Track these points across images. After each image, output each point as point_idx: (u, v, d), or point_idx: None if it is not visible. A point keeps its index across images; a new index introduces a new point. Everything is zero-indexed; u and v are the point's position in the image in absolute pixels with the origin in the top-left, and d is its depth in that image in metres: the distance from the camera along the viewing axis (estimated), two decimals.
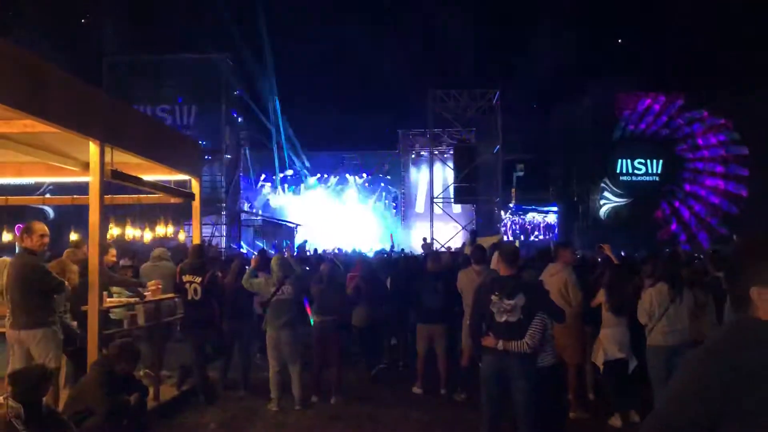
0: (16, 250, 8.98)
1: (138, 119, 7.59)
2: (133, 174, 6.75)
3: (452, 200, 22.94)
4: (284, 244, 21.86)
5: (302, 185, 26.45)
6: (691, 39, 26.18)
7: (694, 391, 1.63)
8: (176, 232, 10.50)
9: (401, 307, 8.91)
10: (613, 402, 6.59)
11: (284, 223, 25.31)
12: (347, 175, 26.75)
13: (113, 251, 7.76)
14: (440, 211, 23.60)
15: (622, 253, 9.06)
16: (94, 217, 5.77)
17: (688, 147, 30.07)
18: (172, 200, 8.48)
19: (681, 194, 29.92)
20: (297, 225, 25.44)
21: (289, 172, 26.09)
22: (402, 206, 26.86)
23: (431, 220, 22.93)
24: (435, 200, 23.42)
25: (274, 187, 26.26)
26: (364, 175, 26.86)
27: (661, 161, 29.69)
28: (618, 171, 29.55)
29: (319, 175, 26.57)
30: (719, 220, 28.71)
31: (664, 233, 28.75)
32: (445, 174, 25.07)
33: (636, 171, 29.76)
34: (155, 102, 21.85)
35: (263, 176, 26.16)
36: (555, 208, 26.48)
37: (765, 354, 1.59)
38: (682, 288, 5.87)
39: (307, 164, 26.38)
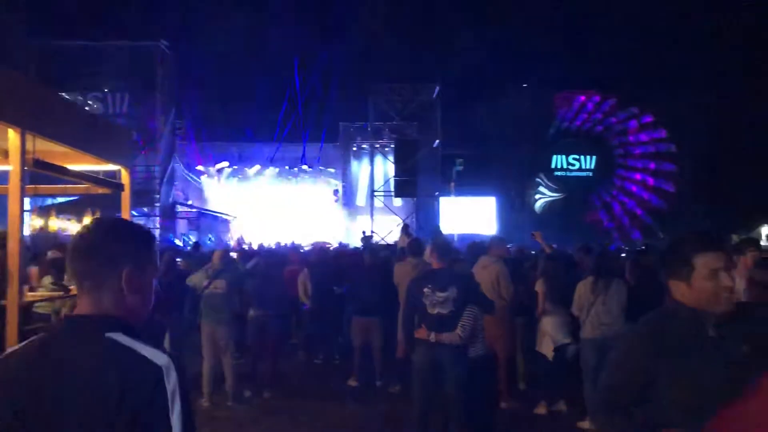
0: None
1: (63, 106, 7.27)
2: (59, 163, 6.47)
3: (393, 194, 23.03)
4: (208, 238, 21.38)
5: (239, 177, 25.99)
6: (626, 39, 27.03)
7: (630, 361, 2.06)
8: None
9: (336, 301, 8.93)
10: (546, 390, 6.73)
11: (220, 215, 24.84)
12: (287, 167, 26.46)
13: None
14: (381, 205, 23.66)
15: (554, 245, 9.26)
16: (13, 207, 5.50)
17: (620, 144, 31.09)
18: (100, 191, 8.18)
19: (613, 190, 30.92)
20: (233, 217, 25.02)
21: (225, 163, 25.58)
22: (343, 199, 26.79)
23: (371, 214, 22.96)
24: (375, 194, 23.45)
25: (210, 179, 25.74)
26: (305, 167, 26.63)
27: (594, 157, 30.62)
28: (553, 166, 30.33)
29: (258, 167, 26.16)
30: (649, 214, 29.82)
31: (596, 227, 29.65)
32: (386, 167, 25.13)
33: (570, 167, 30.61)
34: (86, 89, 21.07)
35: (200, 167, 25.59)
36: (493, 202, 26.85)
37: (677, 326, 2.01)
38: (610, 281, 6.01)
39: (246, 155, 25.96)
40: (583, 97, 30.38)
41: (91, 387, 1.37)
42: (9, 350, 1.52)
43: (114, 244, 1.56)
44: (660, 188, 29.95)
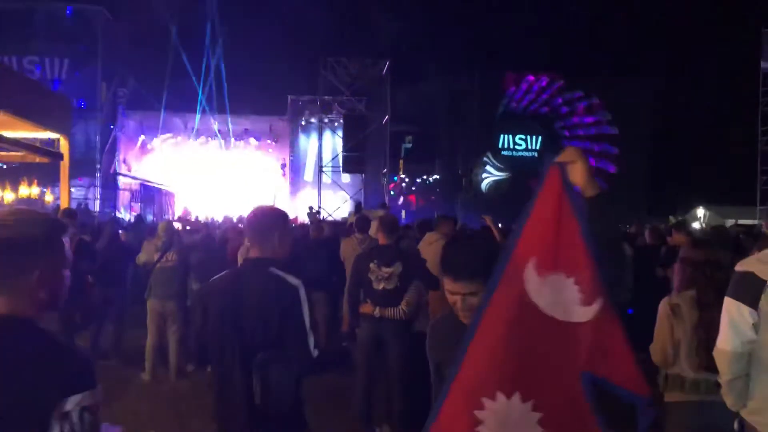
0: None
1: None
2: None
3: (341, 169, 22.94)
4: (149, 211, 20.87)
5: (184, 149, 25.36)
6: (575, 22, 27.50)
7: (429, 347, 2.35)
8: (42, 194, 9.84)
9: None
10: None
11: (163, 187, 24.26)
12: (233, 140, 25.97)
13: None
14: (329, 180, 23.56)
15: (500, 225, 9.41)
16: None
17: (566, 126, 31.76)
18: (38, 159, 7.92)
19: None
20: (177, 190, 24.48)
21: (169, 134, 24.90)
22: (290, 174, 26.51)
23: (319, 189, 22.87)
24: (323, 169, 23.34)
25: (153, 150, 25.06)
26: (252, 140, 26.18)
27: (540, 138, 31.21)
28: (500, 146, 30.78)
29: (203, 139, 25.58)
30: None
31: None
32: (334, 142, 24.96)
33: (517, 146, 31.13)
34: (22, 53, 20.14)
35: (142, 137, 24.85)
36: (438, 180, 27.19)
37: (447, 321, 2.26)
38: None
39: (191, 127, 25.34)
40: (531, 78, 30.82)
41: (261, 295, 2.58)
42: (215, 277, 2.78)
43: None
44: (602, 169, 30.79)
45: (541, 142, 31.33)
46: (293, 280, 2.59)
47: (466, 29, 28.05)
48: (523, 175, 30.82)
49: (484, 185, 30.62)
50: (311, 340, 2.60)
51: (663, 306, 3.20)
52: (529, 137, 31.29)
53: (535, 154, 31.35)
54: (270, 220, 2.73)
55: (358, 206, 12.46)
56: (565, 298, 1.69)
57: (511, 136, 31.08)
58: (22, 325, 1.48)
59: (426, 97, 27.56)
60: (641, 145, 29.06)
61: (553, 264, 1.69)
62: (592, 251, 1.66)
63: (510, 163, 30.81)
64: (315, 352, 2.61)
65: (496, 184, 30.70)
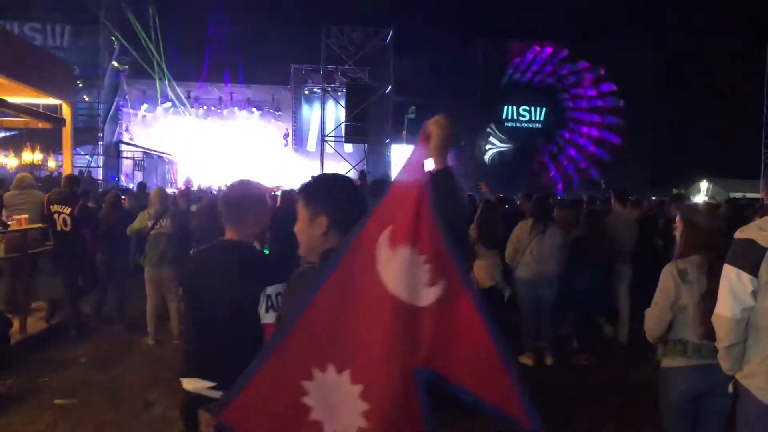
0: None
1: (1, 35, 6.96)
2: None
3: (343, 139, 22.85)
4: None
5: (187, 117, 25.30)
6: None
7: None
8: (45, 160, 9.86)
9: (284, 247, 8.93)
10: None
11: (165, 155, 24.26)
12: (236, 109, 25.90)
13: None
14: (332, 150, 23.49)
15: (501, 195, 9.46)
16: None
17: (570, 96, 31.53)
18: (40, 125, 7.92)
19: (560, 141, 31.49)
20: (179, 158, 24.48)
21: (170, 104, 24.79)
22: (293, 143, 26.46)
23: (321, 159, 22.82)
24: (326, 138, 23.26)
25: (156, 118, 25.01)
26: (254, 110, 26.10)
27: (544, 109, 31.01)
28: (504, 117, 30.61)
29: (205, 108, 25.52)
30: (594, 166, 30.56)
31: (543, 178, 30.27)
32: (337, 112, 24.84)
33: (521, 118, 30.96)
34: (23, 19, 19.98)
35: (145, 106, 24.78)
36: None
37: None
38: (547, 225, 6.28)
39: (194, 95, 25.23)
40: (537, 48, 30.52)
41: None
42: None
43: None
44: (606, 141, 30.65)
45: (545, 114, 31.14)
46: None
47: None
48: (527, 146, 30.71)
49: (487, 156, 30.54)
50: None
51: (668, 272, 3.18)
52: (533, 108, 31.09)
53: (540, 126, 31.19)
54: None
55: (362, 175, 12.44)
56: (413, 275, 1.58)
57: (515, 107, 30.88)
58: (247, 246, 2.55)
59: (429, 68, 27.31)
60: (646, 117, 28.86)
61: (407, 237, 1.58)
62: (440, 227, 1.58)
63: (514, 134, 30.68)
64: (266, 318, 2.27)
65: (500, 156, 30.62)
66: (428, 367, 1.58)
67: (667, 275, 3.17)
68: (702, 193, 24.37)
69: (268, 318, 2.29)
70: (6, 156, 9.74)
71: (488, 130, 30.41)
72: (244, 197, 2.56)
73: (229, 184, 2.81)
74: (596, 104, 31.04)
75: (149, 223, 6.81)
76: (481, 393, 1.58)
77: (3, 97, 6.54)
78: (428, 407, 1.59)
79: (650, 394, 3.55)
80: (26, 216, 6.97)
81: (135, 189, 13.11)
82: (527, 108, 30.96)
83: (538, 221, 6.30)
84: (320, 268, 1.62)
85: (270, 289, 2.31)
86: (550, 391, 5.75)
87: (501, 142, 30.61)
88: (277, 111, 26.37)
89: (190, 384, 2.46)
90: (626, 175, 26.88)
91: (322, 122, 24.23)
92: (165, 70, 23.15)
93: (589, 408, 5.34)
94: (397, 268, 1.58)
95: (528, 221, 6.38)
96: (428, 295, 1.58)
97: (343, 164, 23.19)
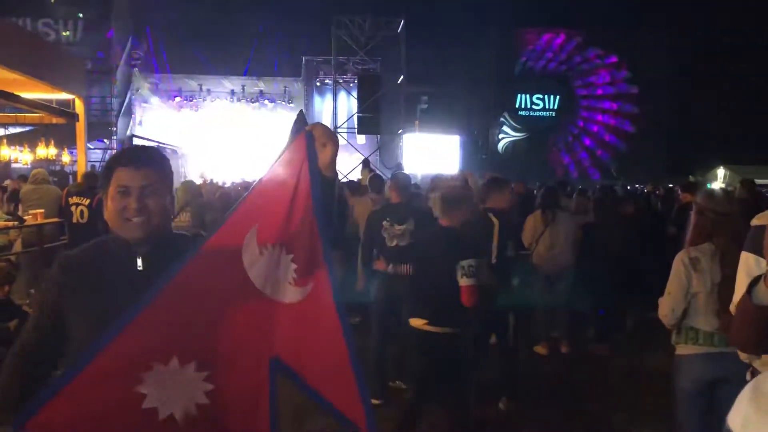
0: None
1: (14, 32, 7.02)
2: (9, 90, 6.28)
3: (356, 130, 22.83)
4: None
5: (199, 111, 25.37)
6: None
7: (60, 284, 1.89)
8: (59, 155, 9.94)
9: None
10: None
11: (178, 149, 24.35)
12: (248, 101, 25.93)
13: None
14: (344, 142, 23.48)
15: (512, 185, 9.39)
16: None
17: (584, 84, 31.25)
18: (54, 120, 7.98)
19: (575, 130, 31.26)
20: (192, 152, 24.57)
21: (183, 98, 24.90)
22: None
23: None
24: (338, 130, 23.24)
25: (170, 111, 25.11)
26: (266, 102, 26.11)
27: (558, 97, 30.78)
28: (517, 106, 30.42)
29: (219, 101, 25.58)
30: (608, 155, 30.31)
31: (557, 167, 30.09)
32: (350, 103, 24.81)
33: (534, 106, 30.75)
34: (36, 15, 20.09)
35: (157, 99, 24.88)
36: (457, 141, 26.90)
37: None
38: (556, 213, 6.25)
39: (206, 88, 25.29)
40: (548, 36, 30.25)
41: None
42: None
43: None
44: (620, 129, 30.38)
45: (559, 102, 30.90)
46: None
47: None
48: (541, 135, 30.52)
49: (500, 145, 30.38)
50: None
51: (680, 260, 3.17)
52: (546, 97, 30.85)
53: (553, 114, 30.96)
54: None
55: (366, 163, 12.44)
56: (278, 274, 1.63)
57: (528, 96, 30.67)
58: (453, 231, 3.73)
59: (441, 57, 27.20)
60: (661, 104, 28.56)
61: (276, 236, 1.61)
62: (322, 231, 1.61)
63: (527, 123, 30.49)
64: (462, 281, 3.56)
65: (513, 145, 30.45)
66: (282, 360, 1.64)
67: (679, 263, 3.15)
68: (719, 180, 24.12)
69: (463, 282, 3.57)
70: (21, 151, 9.83)
71: (501, 119, 30.25)
72: (461, 197, 3.96)
73: (444, 185, 4.03)
74: (610, 91, 30.75)
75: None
76: (325, 392, 1.68)
77: (17, 93, 6.58)
78: (275, 397, 1.66)
79: (665, 382, 3.53)
80: (42, 211, 7.04)
81: None
82: (540, 96, 30.75)
83: (545, 211, 6.28)
84: (169, 267, 1.56)
85: (463, 262, 3.57)
86: (564, 380, 5.74)
87: (514, 131, 30.43)
88: (289, 103, 26.37)
89: (415, 322, 3.80)
90: (642, 162, 26.66)
91: (334, 113, 24.20)
92: (176, 63, 23.23)
93: (603, 397, 5.33)
94: (263, 264, 1.60)
95: (537, 213, 6.36)
96: (294, 294, 1.63)
97: (355, 155, 23.19)
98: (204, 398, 1.58)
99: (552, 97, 30.94)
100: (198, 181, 9.49)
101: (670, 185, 15.18)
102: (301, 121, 1.69)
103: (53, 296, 1.69)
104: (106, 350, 1.47)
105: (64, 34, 20.44)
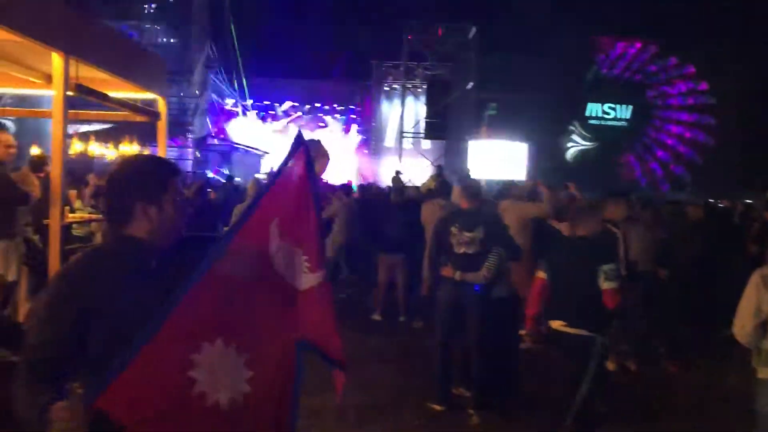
0: None
1: (105, 33, 7.33)
2: (99, 90, 6.59)
3: (422, 135, 22.86)
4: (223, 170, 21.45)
5: (269, 113, 25.96)
6: None
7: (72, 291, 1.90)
8: (141, 153, 10.35)
9: (362, 238, 9.08)
10: None
11: (252, 150, 24.99)
12: (317, 105, 26.34)
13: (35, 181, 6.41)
14: (410, 147, 23.54)
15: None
16: (56, 131, 5.64)
17: (658, 94, 30.29)
18: (138, 119, 8.30)
19: (647, 140, 30.33)
20: (264, 153, 25.16)
21: (250, 101, 25.52)
22: (372, 139, 26.68)
23: (400, 155, 22.91)
24: (405, 135, 23.32)
25: (243, 113, 25.81)
26: (335, 105, 26.47)
27: (630, 107, 29.92)
28: (587, 115, 29.75)
29: (288, 104, 26.10)
30: (682, 168, 29.29)
31: (628, 178, 29.27)
32: (417, 109, 24.87)
33: (605, 116, 29.99)
34: (122, 17, 21.01)
35: (232, 101, 25.62)
36: (524, 148, 26.52)
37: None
38: (632, 226, 6.11)
39: (277, 92, 25.85)
40: (623, 44, 29.48)
41: None
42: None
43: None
44: (696, 141, 29.30)
45: (632, 112, 30.04)
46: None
47: None
48: (612, 145, 29.72)
49: (569, 154, 29.79)
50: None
51: (753, 278, 3.08)
52: (618, 106, 30.03)
53: (625, 124, 30.11)
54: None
55: (439, 170, 12.48)
56: (295, 263, 1.89)
57: (599, 105, 29.93)
58: (588, 238, 4.04)
59: (512, 64, 26.89)
60: (738, 116, 27.38)
61: (290, 233, 1.88)
62: (320, 230, 1.95)
63: (598, 132, 29.76)
64: (604, 285, 3.86)
65: (582, 154, 29.78)
66: (303, 338, 1.90)
67: (751, 281, 3.07)
68: None
69: (606, 285, 3.83)
70: (107, 147, 10.31)
71: (571, 127, 29.65)
72: (594, 207, 4.29)
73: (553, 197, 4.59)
74: (686, 102, 29.68)
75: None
76: (324, 348, 1.95)
77: (106, 92, 6.88)
78: (300, 373, 1.88)
79: (741, 405, 3.41)
80: None
81: (224, 182, 13.55)
82: (612, 106, 29.94)
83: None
84: (209, 251, 1.72)
85: (605, 267, 3.84)
86: (632, 398, 5.60)
87: (584, 140, 29.77)
88: (357, 107, 26.65)
89: (554, 324, 4.08)
90: (717, 176, 25.65)
91: (401, 119, 24.30)
92: (251, 66, 23.80)
93: (671, 416, 5.17)
94: (282, 255, 1.87)
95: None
96: (308, 281, 1.90)
97: (420, 160, 23.22)
98: (246, 386, 1.75)
99: (625, 106, 30.10)
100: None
101: (748, 201, 14.56)
102: (300, 139, 1.95)
103: (74, 299, 1.72)
104: (159, 333, 1.60)
105: (146, 31, 21.27)
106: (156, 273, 1.79)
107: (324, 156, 2.08)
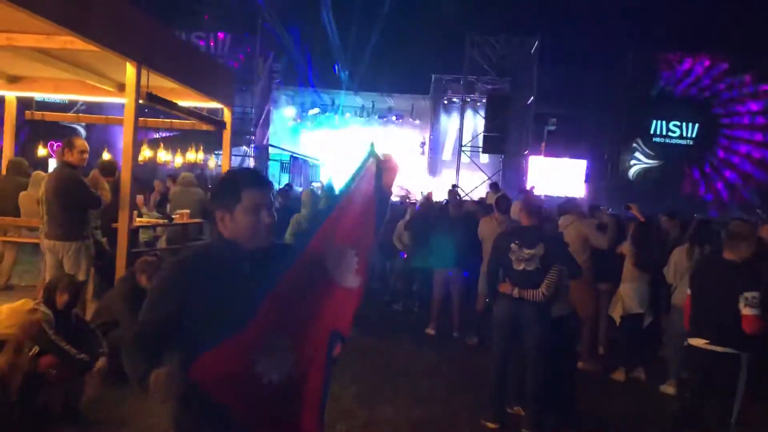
0: (50, 165, 9.20)
1: (175, 43, 7.61)
2: (167, 98, 6.82)
3: (480, 149, 22.74)
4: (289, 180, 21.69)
5: (330, 124, 26.30)
6: (741, 2, 25.19)
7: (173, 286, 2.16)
8: (206, 160, 10.65)
9: (417, 252, 9.04)
10: (624, 356, 6.71)
11: (310, 159, 25.35)
12: (376, 116, 26.53)
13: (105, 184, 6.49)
14: (467, 160, 23.45)
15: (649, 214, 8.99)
16: (127, 138, 5.88)
17: (726, 112, 29.27)
18: (204, 127, 8.57)
19: (714, 160, 29.33)
20: (323, 163, 25.48)
21: (317, 110, 25.91)
22: (430, 152, 26.68)
23: (458, 169, 22.83)
24: (463, 148, 23.25)
25: (303, 124, 26.23)
26: (394, 117, 26.62)
27: (696, 125, 28.99)
28: (652, 132, 28.97)
29: (348, 115, 26.40)
30: (751, 189, 28.19)
31: (693, 199, 28.34)
32: (475, 122, 24.75)
33: (670, 133, 29.13)
34: (190, 28, 21.71)
35: (293, 111, 26.08)
36: (583, 165, 26.03)
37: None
38: (704, 251, 5.91)
39: (338, 103, 26.19)
40: (690, 60, 28.65)
41: None
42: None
43: None
44: (765, 162, 28.16)
45: (698, 130, 29.11)
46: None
47: (620, 8, 26.50)
48: (676, 164, 28.84)
49: (632, 172, 29.03)
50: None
51: None
52: (684, 124, 29.12)
53: (690, 143, 29.18)
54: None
55: (495, 186, 12.37)
56: (345, 264, 2.09)
57: (664, 122, 29.09)
58: (736, 263, 4.16)
59: (573, 78, 26.51)
60: None
61: (348, 236, 2.09)
62: (375, 234, 2.15)
63: (662, 150, 28.92)
64: (744, 311, 3.98)
65: (645, 172, 28.98)
66: (335, 329, 2.09)
67: None
68: None
69: (746, 311, 3.96)
70: (174, 155, 10.65)
71: (634, 144, 28.92)
72: (746, 233, 4.29)
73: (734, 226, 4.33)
74: (758, 122, 28.58)
75: (305, 224, 7.05)
76: (344, 331, 2.12)
77: (175, 101, 7.11)
78: (330, 361, 2.09)
79: None
80: (188, 211, 7.58)
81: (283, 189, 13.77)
82: (678, 123, 29.06)
83: (694, 246, 5.95)
84: (288, 258, 2.03)
85: (747, 294, 3.96)
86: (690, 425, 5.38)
87: (648, 158, 28.98)
88: (416, 120, 26.72)
89: (695, 341, 4.24)
90: None
91: (460, 132, 24.24)
92: (311, 77, 24.21)
93: None
94: (335, 257, 2.08)
95: (685, 247, 6.03)
96: (353, 281, 2.10)
97: (478, 174, 23.07)
98: (292, 369, 2.02)
99: (690, 124, 29.19)
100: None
101: None
102: (372, 151, 2.16)
103: (174, 290, 2.05)
104: (241, 320, 1.90)
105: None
106: (248, 274, 2.03)
107: (393, 169, 2.18)
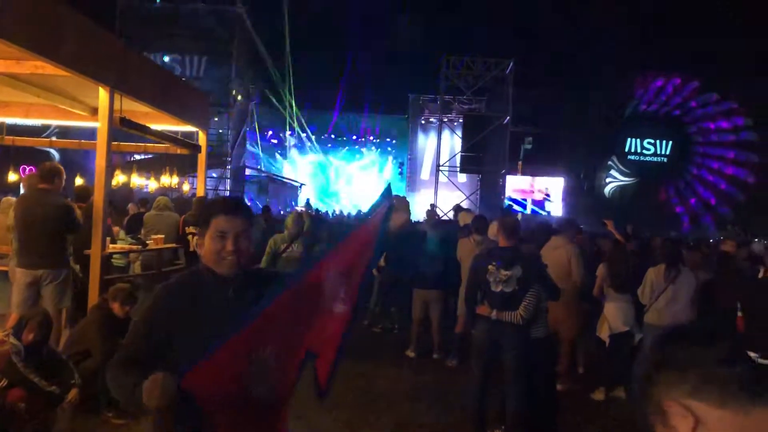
0: (21, 190, 9.03)
1: (148, 68, 7.54)
2: (141, 122, 6.75)
3: (458, 169, 22.86)
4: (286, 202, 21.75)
5: (306, 146, 26.30)
6: (709, 23, 25.79)
7: (157, 315, 2.21)
8: (180, 183, 10.53)
9: (396, 272, 9.01)
10: (603, 376, 6.71)
11: (289, 181, 25.29)
12: (353, 137, 26.61)
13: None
14: (445, 180, 23.56)
15: (627, 230, 9.08)
16: (100, 162, 5.79)
17: (699, 130, 29.84)
18: (179, 151, 8.49)
19: (688, 177, 29.81)
20: (301, 184, 25.42)
21: (288, 132, 25.94)
22: (408, 172, 26.77)
23: (436, 188, 22.91)
24: (441, 168, 23.36)
25: (280, 146, 26.18)
26: (371, 138, 26.72)
27: (670, 143, 29.53)
28: (626, 150, 29.41)
29: (325, 135, 26.44)
30: (724, 205, 28.66)
31: (667, 215, 28.72)
32: (453, 142, 24.92)
33: (645, 151, 29.62)
34: (165, 51, 21.62)
35: (270, 133, 26.04)
36: (561, 183, 26.27)
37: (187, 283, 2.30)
38: (680, 270, 5.96)
39: (314, 124, 26.20)
40: (662, 79, 29.21)
41: None
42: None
43: None
44: (738, 178, 28.68)
45: (671, 148, 29.59)
46: None
47: (591, 30, 26.99)
48: (651, 181, 29.26)
49: (607, 190, 29.40)
50: None
51: None
52: (658, 142, 29.65)
53: (665, 160, 29.65)
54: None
55: (458, 208, 12.43)
56: (336, 291, 2.13)
57: (639, 140, 29.59)
58: None
59: (549, 98, 26.85)
60: None
61: (345, 265, 2.15)
62: (369, 268, 2.25)
63: (637, 167, 29.37)
64: None
65: (621, 189, 29.37)
66: (312, 350, 2.14)
67: None
68: None
69: None
70: (148, 178, 10.51)
71: (609, 162, 29.32)
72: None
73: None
74: (728, 139, 29.15)
75: (282, 246, 6.97)
76: (319, 367, 2.14)
77: (147, 125, 7.04)
78: (300, 373, 2.14)
79: None
80: (162, 236, 7.46)
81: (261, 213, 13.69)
82: (652, 141, 29.58)
83: (670, 267, 5.99)
84: (277, 285, 2.08)
85: None
86: None
87: (623, 175, 29.39)
88: (393, 140, 26.85)
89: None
90: (761, 214, 25.03)
91: (438, 152, 24.41)
92: (287, 99, 24.21)
93: None
94: (331, 285, 2.12)
95: (660, 267, 6.07)
96: (338, 308, 2.14)
97: (456, 193, 23.16)
98: (275, 384, 2.06)
99: (664, 142, 29.70)
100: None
101: None
102: (388, 192, 2.23)
103: (163, 316, 2.09)
104: (230, 340, 1.96)
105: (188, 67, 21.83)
106: (232, 301, 2.09)
107: (405, 211, 2.21)
